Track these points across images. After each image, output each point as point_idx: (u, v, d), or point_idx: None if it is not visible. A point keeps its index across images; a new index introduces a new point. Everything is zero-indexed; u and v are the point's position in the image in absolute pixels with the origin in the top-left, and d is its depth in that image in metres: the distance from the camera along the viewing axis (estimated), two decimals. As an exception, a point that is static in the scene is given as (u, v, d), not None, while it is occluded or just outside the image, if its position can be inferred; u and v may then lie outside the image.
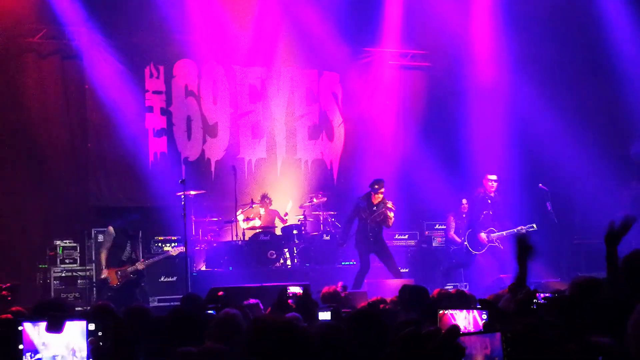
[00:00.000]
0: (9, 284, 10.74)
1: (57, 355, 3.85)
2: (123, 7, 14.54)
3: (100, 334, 3.92)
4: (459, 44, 16.50)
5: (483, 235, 13.29)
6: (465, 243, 13.41)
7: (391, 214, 12.49)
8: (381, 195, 12.54)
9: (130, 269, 11.82)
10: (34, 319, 3.93)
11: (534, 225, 13.25)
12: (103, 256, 11.79)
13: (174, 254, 12.61)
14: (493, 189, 13.37)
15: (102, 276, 11.75)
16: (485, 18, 16.46)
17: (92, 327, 3.92)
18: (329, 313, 6.32)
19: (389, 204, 12.54)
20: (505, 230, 13.29)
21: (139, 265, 11.90)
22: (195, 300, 7.18)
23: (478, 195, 13.46)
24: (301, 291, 7.41)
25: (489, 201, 13.35)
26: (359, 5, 16.12)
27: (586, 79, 15.85)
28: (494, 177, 13.46)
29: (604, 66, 15.69)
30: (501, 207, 13.50)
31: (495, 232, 13.32)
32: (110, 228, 11.87)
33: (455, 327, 2.52)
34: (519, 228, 13.22)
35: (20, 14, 13.75)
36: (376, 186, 12.54)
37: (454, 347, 2.48)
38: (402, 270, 13.31)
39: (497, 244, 13.30)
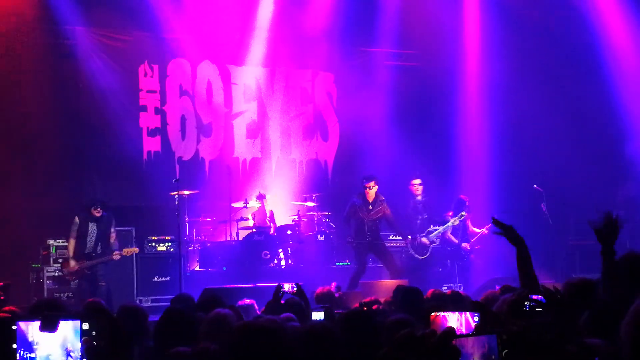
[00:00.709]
0: (1, 283, 10.68)
1: (50, 355, 3.83)
2: (118, 6, 14.52)
3: (94, 333, 3.90)
4: (453, 44, 16.54)
5: (424, 239, 13.49)
6: (411, 252, 13.54)
7: (388, 210, 12.55)
8: (374, 192, 12.50)
9: (86, 264, 11.45)
10: (28, 318, 3.91)
11: (464, 213, 13.67)
12: (70, 246, 11.59)
13: (117, 259, 11.77)
14: (419, 193, 13.71)
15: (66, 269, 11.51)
16: (479, 18, 16.48)
17: (85, 326, 3.90)
18: (323, 313, 6.30)
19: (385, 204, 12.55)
20: (440, 225, 13.61)
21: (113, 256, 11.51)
22: (187, 300, 7.14)
23: (409, 203, 13.65)
24: (295, 289, 7.39)
25: (420, 206, 13.60)
26: (354, 5, 16.12)
27: (580, 80, 15.87)
28: (418, 181, 13.85)
29: (598, 66, 15.72)
30: (433, 208, 13.90)
31: (432, 232, 13.60)
32: (76, 218, 11.70)
33: (451, 329, 2.52)
34: (453, 220, 13.59)
35: (15, 12, 13.72)
36: (365, 182, 12.54)
37: (449, 349, 2.48)
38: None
39: (437, 242, 13.61)
